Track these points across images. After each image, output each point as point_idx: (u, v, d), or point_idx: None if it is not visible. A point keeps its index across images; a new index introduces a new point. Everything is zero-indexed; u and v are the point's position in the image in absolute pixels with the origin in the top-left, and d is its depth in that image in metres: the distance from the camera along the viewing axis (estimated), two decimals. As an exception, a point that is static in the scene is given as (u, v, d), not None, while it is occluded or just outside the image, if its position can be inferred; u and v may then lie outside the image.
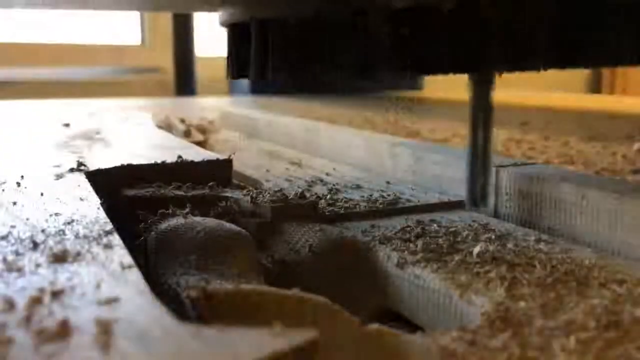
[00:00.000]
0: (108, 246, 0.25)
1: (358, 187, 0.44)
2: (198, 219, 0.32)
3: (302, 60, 0.32)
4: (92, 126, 0.75)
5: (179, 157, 0.45)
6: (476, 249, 0.29)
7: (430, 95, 1.57)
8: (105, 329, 0.17)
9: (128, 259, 0.24)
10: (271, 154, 0.63)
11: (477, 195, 0.37)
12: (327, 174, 0.50)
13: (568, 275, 0.27)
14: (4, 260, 0.23)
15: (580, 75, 2.98)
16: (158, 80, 2.06)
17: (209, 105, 1.20)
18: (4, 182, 0.38)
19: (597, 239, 0.33)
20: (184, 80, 1.77)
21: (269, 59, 0.33)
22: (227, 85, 1.75)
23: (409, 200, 0.39)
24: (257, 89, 1.59)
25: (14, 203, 0.33)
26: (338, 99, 1.27)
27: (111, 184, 0.40)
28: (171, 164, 0.44)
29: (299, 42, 0.32)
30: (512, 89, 1.82)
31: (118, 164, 0.43)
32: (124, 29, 2.15)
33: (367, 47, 0.30)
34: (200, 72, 1.79)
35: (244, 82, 1.63)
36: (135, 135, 0.66)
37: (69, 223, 0.29)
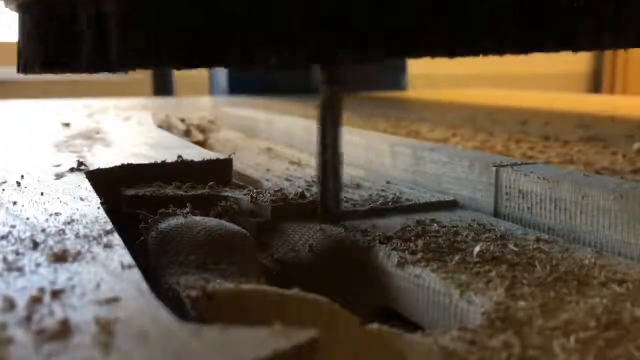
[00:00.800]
0: (108, 246, 0.25)
1: (358, 186, 0.44)
2: (198, 218, 0.32)
3: (55, 52, 0.27)
4: (92, 126, 0.75)
5: (179, 156, 0.45)
6: (476, 249, 0.29)
7: (415, 96, 1.56)
8: (105, 329, 0.17)
9: (128, 259, 0.24)
10: (271, 153, 0.63)
11: (329, 203, 0.35)
12: (327, 174, 0.50)
13: (568, 274, 0.27)
14: (4, 259, 0.23)
15: (580, 75, 2.98)
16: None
17: (208, 105, 1.20)
18: (5, 182, 0.38)
19: (597, 238, 0.33)
20: (161, 79, 1.75)
21: (30, 50, 0.27)
22: (208, 84, 1.74)
23: (409, 200, 0.39)
24: (236, 89, 1.58)
25: (14, 203, 0.33)
26: (311, 98, 1.27)
27: (111, 184, 0.40)
28: (171, 163, 0.44)
29: (53, 29, 0.26)
30: (511, 89, 1.82)
31: (118, 163, 0.43)
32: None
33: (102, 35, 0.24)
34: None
35: (223, 82, 1.62)
36: (135, 134, 0.66)
37: (69, 223, 0.29)
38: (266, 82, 1.52)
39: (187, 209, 0.34)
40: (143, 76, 1.77)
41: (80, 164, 0.43)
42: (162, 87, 1.74)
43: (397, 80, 1.73)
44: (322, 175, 0.34)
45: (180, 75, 1.81)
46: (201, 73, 1.89)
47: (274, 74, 1.54)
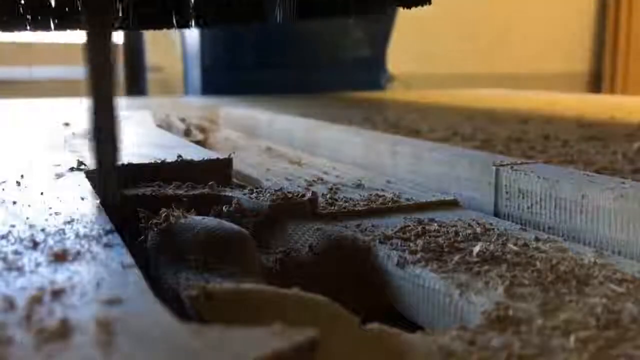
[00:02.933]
0: (108, 245, 0.25)
1: (358, 186, 0.44)
2: (198, 218, 0.32)
3: None
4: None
5: (179, 156, 0.45)
6: (476, 248, 0.29)
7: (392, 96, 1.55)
8: (105, 329, 0.17)
9: (128, 259, 0.24)
10: (271, 152, 0.63)
11: (109, 192, 0.31)
12: (327, 173, 0.50)
13: (568, 274, 0.27)
14: (4, 259, 0.23)
15: (580, 74, 2.98)
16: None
17: (208, 104, 1.20)
18: (4, 182, 0.38)
19: (597, 237, 0.33)
20: (134, 79, 1.70)
21: None
22: (182, 84, 1.74)
23: (408, 200, 0.39)
24: (209, 89, 1.57)
25: (14, 202, 0.33)
26: (291, 98, 1.26)
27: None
28: (171, 163, 0.44)
29: None
30: (510, 89, 1.82)
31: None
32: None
33: None
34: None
35: (197, 82, 1.61)
36: (135, 134, 0.66)
37: (69, 222, 0.29)
38: (241, 83, 1.52)
39: (187, 209, 0.34)
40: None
41: (80, 163, 0.43)
42: (135, 88, 1.71)
43: (376, 79, 1.71)
44: (97, 164, 0.30)
45: (154, 76, 1.79)
46: (175, 74, 1.89)
47: (250, 74, 1.55)
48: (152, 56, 1.89)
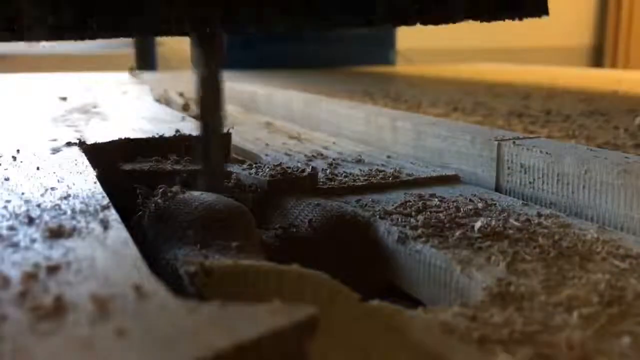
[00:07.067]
0: (104, 221, 0.25)
1: (358, 161, 0.44)
2: (196, 193, 0.32)
3: None
4: (89, 100, 0.74)
5: (177, 131, 0.44)
6: (477, 224, 0.29)
7: (402, 71, 1.54)
8: (101, 305, 0.17)
9: (124, 234, 0.23)
10: (270, 127, 0.63)
11: (217, 184, 0.33)
12: (327, 148, 0.50)
13: (570, 250, 0.26)
14: (-1, 235, 0.23)
15: (582, 49, 2.96)
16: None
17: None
18: (0, 156, 0.37)
19: (599, 213, 0.32)
20: (144, 54, 1.68)
21: None
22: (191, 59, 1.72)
23: (409, 175, 0.39)
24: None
25: (10, 178, 0.32)
26: (300, 73, 1.25)
27: (108, 159, 0.40)
28: (169, 138, 0.43)
29: None
30: (511, 64, 1.81)
31: (115, 138, 0.42)
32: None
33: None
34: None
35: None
36: (133, 109, 0.65)
37: (65, 198, 0.28)
38: (253, 56, 1.51)
39: (185, 183, 0.34)
40: (127, 51, 1.73)
41: (77, 138, 0.43)
42: (145, 62, 1.69)
43: (385, 55, 1.72)
44: (205, 158, 0.33)
45: (163, 50, 1.78)
46: (184, 47, 1.88)
47: (260, 49, 1.54)
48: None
